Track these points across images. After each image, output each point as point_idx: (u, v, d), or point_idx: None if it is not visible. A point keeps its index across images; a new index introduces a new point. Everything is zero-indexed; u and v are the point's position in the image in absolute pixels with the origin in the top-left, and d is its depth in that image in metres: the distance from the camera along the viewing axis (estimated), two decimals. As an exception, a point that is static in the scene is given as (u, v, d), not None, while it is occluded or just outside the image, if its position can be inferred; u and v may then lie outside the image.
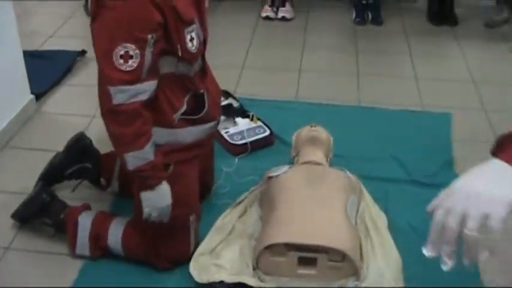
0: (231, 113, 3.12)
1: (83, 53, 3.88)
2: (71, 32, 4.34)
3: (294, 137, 2.71)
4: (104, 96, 1.93)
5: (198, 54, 2.11)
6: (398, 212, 2.58)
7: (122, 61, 1.87)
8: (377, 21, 4.54)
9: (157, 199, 2.07)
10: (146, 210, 2.08)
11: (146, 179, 2.03)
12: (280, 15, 4.55)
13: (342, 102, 3.44)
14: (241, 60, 3.92)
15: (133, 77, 1.90)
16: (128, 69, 1.88)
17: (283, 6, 4.57)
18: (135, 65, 1.88)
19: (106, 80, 1.91)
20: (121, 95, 1.90)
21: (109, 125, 1.99)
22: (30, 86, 3.31)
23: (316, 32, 4.38)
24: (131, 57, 1.87)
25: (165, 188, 2.07)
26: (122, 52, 1.87)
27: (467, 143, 3.10)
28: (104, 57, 1.90)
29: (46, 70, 3.64)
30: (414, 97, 3.54)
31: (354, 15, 4.57)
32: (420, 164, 2.91)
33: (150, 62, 1.92)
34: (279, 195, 2.34)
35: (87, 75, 3.71)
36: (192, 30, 2.02)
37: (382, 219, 2.46)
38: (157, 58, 1.96)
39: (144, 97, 1.94)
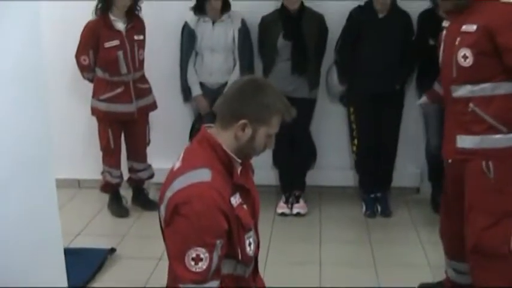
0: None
1: (112, 251, 4.09)
2: (97, 230, 4.58)
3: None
4: None
5: (253, 257, 2.33)
6: None
7: (193, 263, 2.09)
8: (386, 213, 4.82)
9: None
10: None
11: None
12: (294, 211, 4.84)
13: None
14: (263, 256, 4.09)
15: (202, 277, 2.11)
16: (198, 270, 2.09)
17: (297, 202, 4.88)
18: (205, 267, 2.10)
19: (178, 278, 2.12)
20: None
21: None
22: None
23: (330, 226, 4.64)
24: (201, 260, 2.09)
25: None
26: (194, 255, 2.09)
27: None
28: (177, 259, 2.12)
29: (80, 267, 3.81)
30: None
31: (364, 208, 4.87)
32: None
33: (216, 264, 2.13)
34: None
35: (117, 273, 3.91)
36: (250, 236, 2.27)
37: None
38: (221, 260, 2.17)
39: None
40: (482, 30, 2.90)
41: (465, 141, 3.06)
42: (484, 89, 2.98)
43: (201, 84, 4.84)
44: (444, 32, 3.19)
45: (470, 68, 2.97)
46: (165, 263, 2.34)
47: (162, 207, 2.21)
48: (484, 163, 3.00)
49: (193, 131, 4.83)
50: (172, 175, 2.21)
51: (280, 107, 2.23)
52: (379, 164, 4.89)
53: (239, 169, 2.27)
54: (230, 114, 2.21)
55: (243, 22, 4.82)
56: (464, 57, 2.96)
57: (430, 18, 4.61)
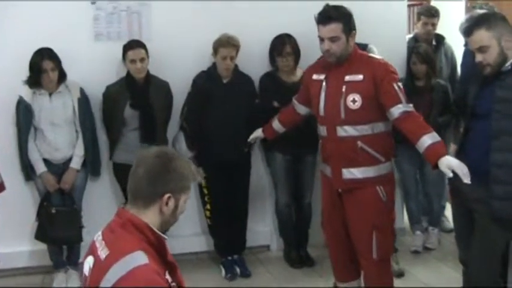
0: None
1: None
2: None
3: None
4: None
5: None
6: None
7: None
8: (246, 274, 4.85)
9: None
10: None
11: None
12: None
13: None
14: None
15: None
16: None
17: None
18: None
19: None
20: None
21: None
22: None
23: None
24: None
25: None
26: None
27: None
28: None
29: None
30: None
31: (223, 272, 4.85)
32: None
33: None
34: None
35: None
36: None
37: None
38: None
39: None
40: (369, 79, 3.58)
41: (355, 173, 3.66)
42: (367, 129, 3.62)
43: (45, 161, 4.55)
44: (323, 83, 3.70)
45: (357, 110, 3.58)
46: None
47: None
48: (378, 189, 3.66)
49: (42, 210, 4.51)
50: (104, 264, 2.11)
51: (193, 172, 2.32)
52: (233, 226, 4.93)
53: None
54: (153, 193, 2.22)
55: (82, 91, 4.64)
56: (353, 101, 3.58)
57: (271, 82, 4.84)
